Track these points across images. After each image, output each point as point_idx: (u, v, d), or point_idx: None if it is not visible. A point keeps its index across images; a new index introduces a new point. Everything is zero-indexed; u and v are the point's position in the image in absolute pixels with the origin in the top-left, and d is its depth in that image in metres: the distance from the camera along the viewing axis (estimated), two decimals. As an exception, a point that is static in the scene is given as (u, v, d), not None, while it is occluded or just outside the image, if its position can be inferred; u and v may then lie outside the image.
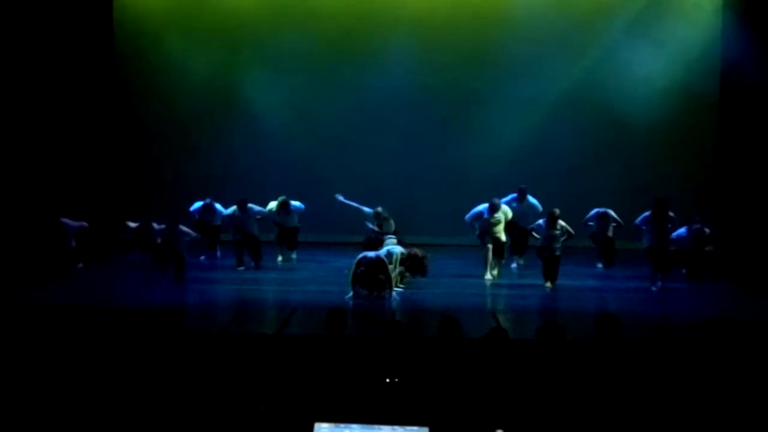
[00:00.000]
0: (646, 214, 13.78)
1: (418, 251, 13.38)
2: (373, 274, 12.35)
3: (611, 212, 15.17)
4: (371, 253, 12.56)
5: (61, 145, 16.40)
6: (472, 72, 17.81)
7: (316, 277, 14.19)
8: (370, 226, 14.06)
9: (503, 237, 14.34)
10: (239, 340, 9.36)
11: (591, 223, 15.29)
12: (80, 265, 14.11)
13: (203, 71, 17.70)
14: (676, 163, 17.35)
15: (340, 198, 14.93)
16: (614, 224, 15.20)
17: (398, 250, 13.02)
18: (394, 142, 17.77)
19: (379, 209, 14.07)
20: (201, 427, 3.65)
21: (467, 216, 14.44)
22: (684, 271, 14.08)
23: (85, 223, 14.44)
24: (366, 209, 14.37)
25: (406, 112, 17.79)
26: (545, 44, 17.56)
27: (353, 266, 12.45)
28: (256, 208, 15.07)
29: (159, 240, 14.13)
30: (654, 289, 13.56)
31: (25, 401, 4.15)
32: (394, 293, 12.47)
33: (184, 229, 13.83)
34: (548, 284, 13.64)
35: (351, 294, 12.30)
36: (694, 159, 17.63)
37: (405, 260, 13.15)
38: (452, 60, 17.82)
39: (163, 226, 14.01)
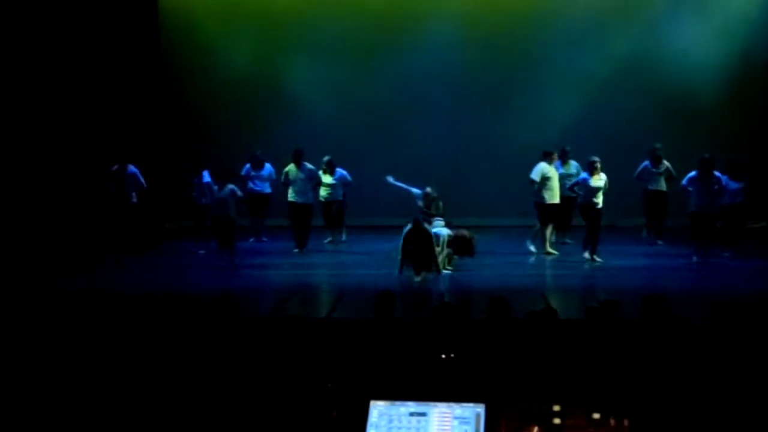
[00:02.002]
0: (692, 174, 13.71)
1: (465, 232, 13.36)
2: (422, 251, 12.34)
3: (666, 163, 15.18)
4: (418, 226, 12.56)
5: (107, 134, 16.57)
6: (517, 50, 17.62)
7: (363, 261, 14.23)
8: (420, 204, 14.06)
9: (555, 199, 14.37)
10: (289, 324, 9.41)
11: (644, 177, 15.23)
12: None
13: (246, 58, 17.83)
14: (730, 131, 17.06)
15: (390, 179, 14.93)
16: (665, 174, 15.13)
17: (445, 232, 13.01)
18: (439, 123, 17.67)
19: (428, 189, 14.04)
20: (256, 409, 3.68)
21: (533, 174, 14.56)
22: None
23: (144, 184, 14.98)
24: (415, 190, 14.34)
25: (450, 92, 17.67)
26: (592, 19, 17.37)
27: (401, 242, 12.45)
28: (309, 165, 15.39)
29: (209, 200, 14.26)
30: (695, 260, 13.46)
31: (80, 386, 4.21)
32: (443, 274, 12.46)
33: (232, 187, 13.83)
34: (595, 257, 13.61)
35: (399, 271, 12.34)
36: (749, 126, 17.32)
37: (452, 242, 13.13)
38: (496, 38, 17.65)
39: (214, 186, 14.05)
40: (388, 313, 7.37)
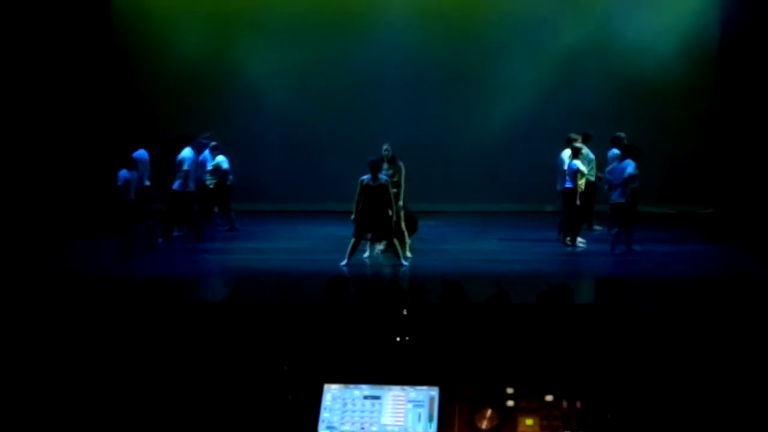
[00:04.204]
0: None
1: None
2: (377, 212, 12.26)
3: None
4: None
5: (58, 122, 16.27)
6: (476, 35, 17.67)
7: (316, 246, 14.17)
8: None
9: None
10: (241, 309, 9.34)
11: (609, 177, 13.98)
12: (160, 240, 14.17)
13: (200, 44, 17.58)
14: (678, 115, 17.23)
15: None
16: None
17: None
18: (398, 108, 17.62)
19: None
20: (210, 396, 3.65)
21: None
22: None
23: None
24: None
25: (409, 77, 17.68)
26: (545, 3, 17.44)
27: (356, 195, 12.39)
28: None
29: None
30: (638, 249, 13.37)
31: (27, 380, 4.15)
32: (403, 261, 12.45)
33: (123, 172, 13.50)
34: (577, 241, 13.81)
35: (346, 261, 12.30)
36: (695, 111, 17.47)
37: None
38: (457, 22, 17.75)
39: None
40: (341, 298, 7.35)
